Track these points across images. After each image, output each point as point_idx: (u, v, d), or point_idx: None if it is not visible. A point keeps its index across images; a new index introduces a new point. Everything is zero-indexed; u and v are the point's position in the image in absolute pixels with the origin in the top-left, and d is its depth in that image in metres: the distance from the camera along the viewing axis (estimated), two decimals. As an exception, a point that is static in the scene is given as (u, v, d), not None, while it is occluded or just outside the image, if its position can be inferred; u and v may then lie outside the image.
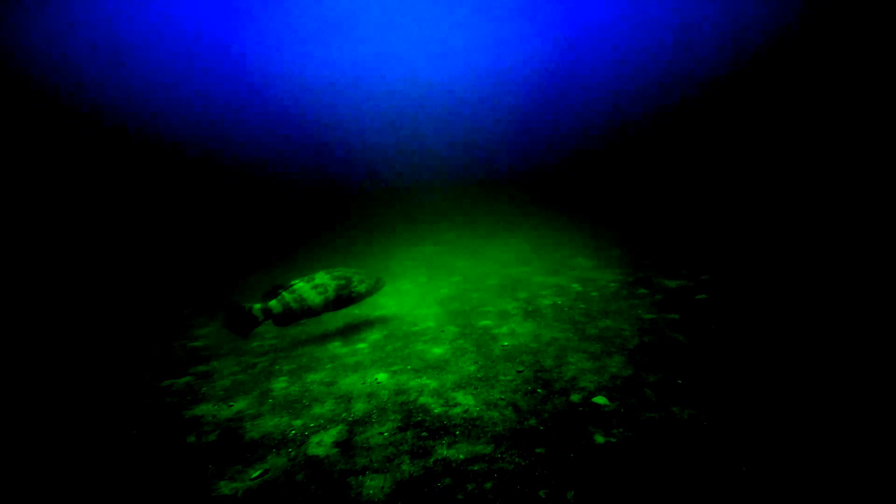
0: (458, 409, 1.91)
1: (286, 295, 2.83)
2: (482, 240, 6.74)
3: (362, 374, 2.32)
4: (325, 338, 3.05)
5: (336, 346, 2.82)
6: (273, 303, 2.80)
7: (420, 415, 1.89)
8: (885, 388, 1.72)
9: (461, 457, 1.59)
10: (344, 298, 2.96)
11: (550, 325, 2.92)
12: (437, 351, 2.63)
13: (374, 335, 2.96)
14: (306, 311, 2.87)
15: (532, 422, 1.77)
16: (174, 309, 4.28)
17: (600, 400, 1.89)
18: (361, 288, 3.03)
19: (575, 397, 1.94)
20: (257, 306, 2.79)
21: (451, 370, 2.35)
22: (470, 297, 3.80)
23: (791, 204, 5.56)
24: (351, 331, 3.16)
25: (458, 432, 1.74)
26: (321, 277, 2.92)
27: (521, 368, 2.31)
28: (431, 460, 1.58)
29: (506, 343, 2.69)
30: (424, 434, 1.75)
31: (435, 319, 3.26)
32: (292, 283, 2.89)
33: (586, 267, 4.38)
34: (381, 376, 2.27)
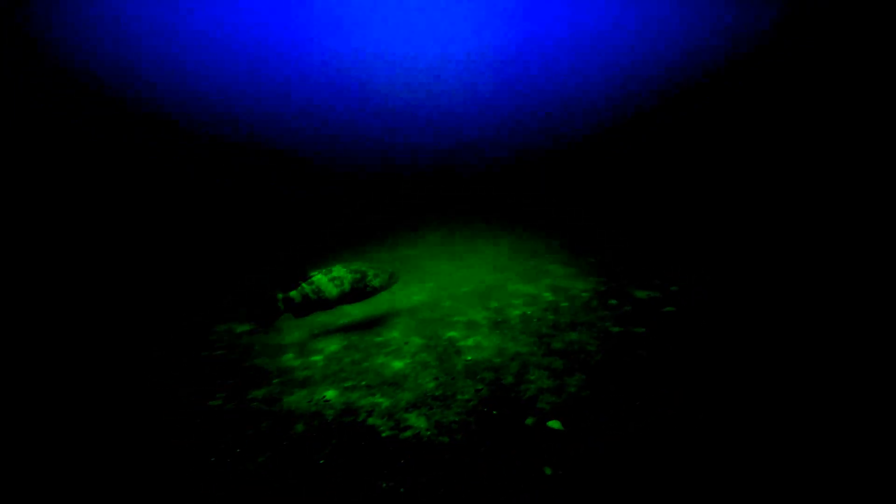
0: (408, 434, 1.82)
1: (305, 286, 2.94)
2: (462, 244, 6.66)
3: (311, 391, 2.21)
4: (281, 349, 2.92)
5: (289, 359, 2.69)
6: (294, 293, 2.92)
7: (365, 440, 1.79)
8: (857, 406, 1.70)
9: (401, 490, 1.49)
10: (359, 291, 3.08)
11: (517, 337, 2.85)
12: (397, 365, 2.53)
13: (333, 346, 2.85)
14: (323, 303, 2.98)
15: (483, 449, 1.69)
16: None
17: (554, 425, 1.82)
18: (376, 282, 3.14)
19: (530, 421, 1.87)
20: (280, 295, 2.90)
21: (408, 387, 2.26)
22: (442, 305, 3.71)
23: (768, 213, 5.63)
24: (311, 340, 3.03)
25: (403, 461, 1.65)
26: (338, 270, 3.03)
27: (480, 387, 2.23)
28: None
29: (469, 357, 2.60)
30: (365, 464, 1.65)
31: (401, 329, 3.16)
32: (311, 274, 3.00)
33: (561, 275, 4.33)
34: (331, 393, 2.16)
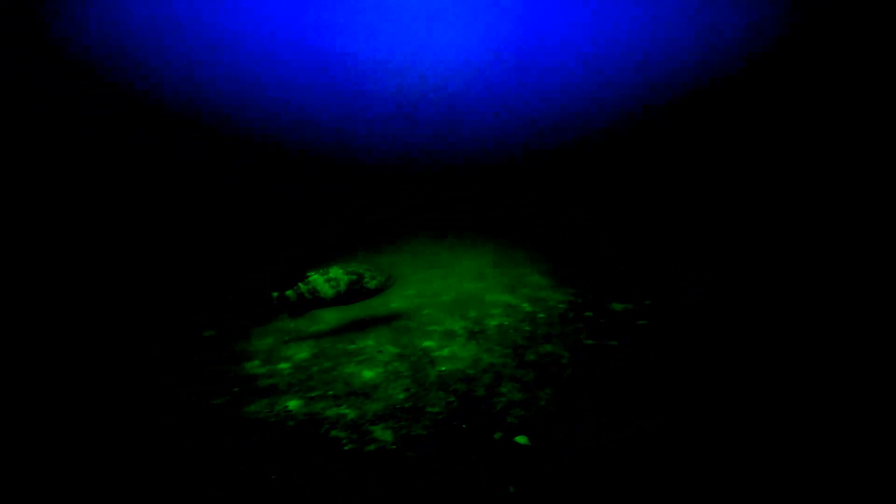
0: (371, 448, 1.77)
1: (301, 286, 2.98)
2: (447, 251, 6.65)
3: (272, 401, 2.14)
4: (247, 355, 2.83)
5: (254, 366, 2.61)
6: (289, 292, 2.97)
7: (325, 454, 1.73)
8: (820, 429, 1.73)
9: (359, 507, 1.44)
10: (355, 293, 3.10)
11: (492, 348, 2.83)
12: (368, 374, 2.48)
13: (302, 353, 2.78)
14: (318, 302, 3.02)
15: (449, 465, 1.66)
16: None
17: (521, 440, 1.80)
18: (372, 284, 3.16)
19: (497, 435, 1.85)
20: (275, 294, 2.95)
21: (377, 397, 2.21)
22: (420, 313, 3.67)
23: (763, 218, 5.74)
24: (279, 347, 2.95)
25: (363, 477, 1.60)
26: (335, 272, 3.06)
27: (452, 399, 2.20)
28: (326, 512, 1.43)
29: (444, 368, 2.57)
30: (322, 479, 1.59)
31: (376, 337, 3.11)
32: (308, 274, 3.03)
33: (541, 285, 4.35)
34: (293, 403, 2.10)
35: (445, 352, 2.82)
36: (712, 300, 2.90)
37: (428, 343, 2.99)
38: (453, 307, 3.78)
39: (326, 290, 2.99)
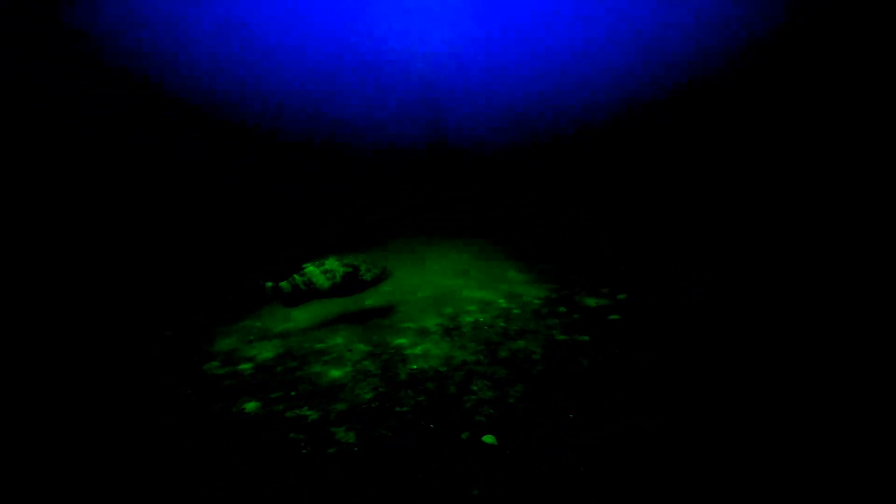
0: (331, 451, 1.70)
1: (297, 277, 2.96)
2: (425, 247, 6.57)
3: (228, 404, 2.03)
4: (207, 356, 2.69)
5: (213, 367, 2.48)
6: (284, 283, 2.94)
7: (280, 458, 1.65)
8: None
9: (315, 516, 1.37)
10: (351, 285, 3.10)
11: (466, 345, 2.79)
12: (336, 374, 2.39)
13: (266, 353, 2.66)
14: (314, 293, 3.00)
15: (412, 467, 1.60)
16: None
17: (489, 439, 1.76)
18: (368, 276, 3.17)
19: (465, 435, 1.80)
20: (269, 284, 2.93)
21: (343, 397, 2.13)
22: (395, 310, 3.59)
23: (728, 220, 5.88)
24: (244, 347, 2.82)
25: (319, 482, 1.52)
26: (331, 263, 3.05)
27: (421, 398, 2.15)
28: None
29: (415, 366, 2.51)
30: (274, 486, 1.51)
31: (347, 335, 3.01)
32: (304, 265, 3.02)
33: (517, 281, 4.34)
34: (251, 405, 1.99)
35: (418, 349, 2.76)
36: (712, 300, 2.92)
37: (401, 340, 2.92)
38: (430, 304, 3.72)
39: (322, 282, 2.98)
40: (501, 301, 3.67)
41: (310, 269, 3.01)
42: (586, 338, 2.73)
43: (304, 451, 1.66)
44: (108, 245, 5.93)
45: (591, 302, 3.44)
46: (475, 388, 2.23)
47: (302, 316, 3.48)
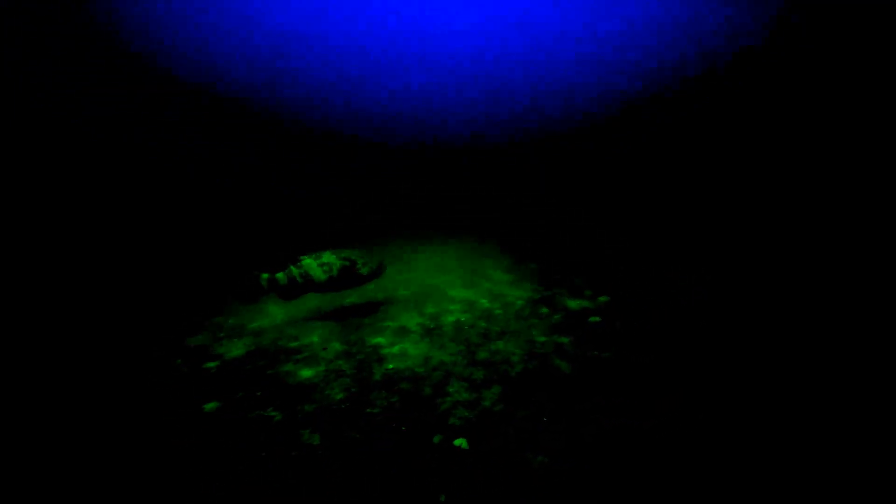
0: (293, 453, 1.62)
1: (293, 269, 2.92)
2: (410, 245, 6.49)
3: (188, 403, 1.93)
4: (178, 353, 2.57)
5: (179, 364, 2.37)
6: (280, 275, 2.90)
7: (234, 462, 1.56)
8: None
9: (271, 525, 1.29)
10: (348, 278, 3.09)
11: (445, 345, 2.73)
12: (307, 374, 2.31)
13: (237, 350, 2.56)
14: (310, 287, 2.97)
15: (378, 472, 1.53)
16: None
17: (460, 443, 1.71)
18: (364, 270, 3.16)
19: (437, 439, 1.75)
20: (265, 276, 2.88)
21: (313, 398, 2.05)
22: (375, 309, 3.51)
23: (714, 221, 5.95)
24: (208, 346, 2.71)
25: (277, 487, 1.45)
26: (328, 256, 3.03)
27: (395, 399, 2.08)
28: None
29: (391, 366, 2.44)
30: (225, 490, 1.43)
31: (322, 333, 2.93)
32: (301, 258, 2.98)
33: (502, 281, 4.31)
34: (211, 406, 1.90)
35: (396, 349, 2.69)
36: (712, 300, 2.91)
37: (378, 340, 2.85)
38: (411, 303, 3.65)
39: (319, 275, 2.96)
40: (484, 301, 3.63)
41: (307, 261, 2.98)
42: (566, 339, 2.70)
43: (262, 454, 1.58)
44: (103, 242, 5.74)
45: (573, 304, 3.42)
46: (452, 389, 2.17)
47: (278, 312, 3.38)
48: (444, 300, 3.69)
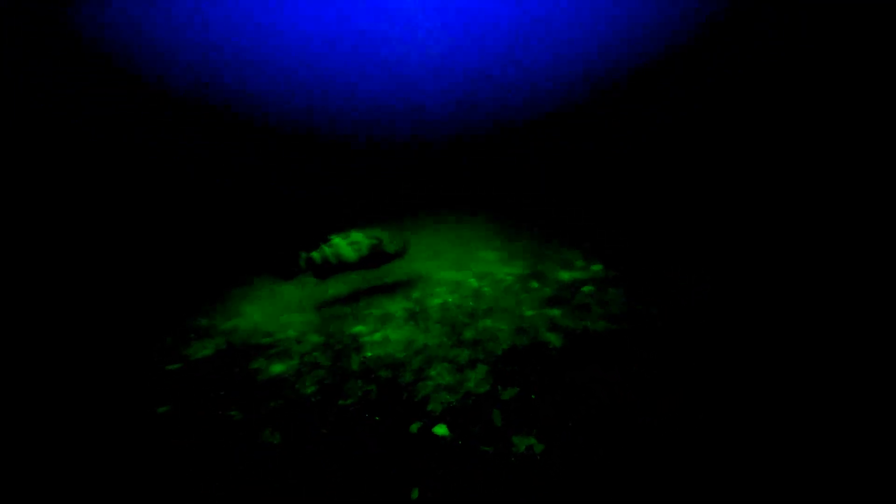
0: (254, 454, 1.44)
1: (326, 248, 2.99)
2: (400, 230, 6.28)
3: (143, 406, 1.75)
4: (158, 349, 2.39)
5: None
6: (315, 254, 2.98)
7: (186, 464, 1.39)
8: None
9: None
10: (376, 256, 3.12)
11: (430, 328, 2.55)
12: (278, 368, 2.13)
13: (206, 350, 2.37)
14: (342, 265, 3.03)
15: (345, 467, 1.36)
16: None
17: (440, 430, 1.53)
18: (391, 248, 3.19)
19: (414, 427, 1.57)
20: (304, 255, 2.99)
21: (281, 394, 1.88)
22: (358, 297, 3.33)
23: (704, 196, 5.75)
24: (179, 346, 2.53)
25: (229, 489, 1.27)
26: (356, 235, 3.08)
27: (371, 388, 1.91)
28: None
29: (370, 354, 2.27)
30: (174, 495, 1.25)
31: (300, 327, 2.75)
32: (330, 237, 3.04)
33: (491, 260, 4.12)
34: (164, 409, 1.72)
35: (377, 336, 2.51)
36: (713, 299, 2.74)
37: (359, 328, 2.67)
38: (398, 288, 3.47)
39: (350, 254, 3.02)
40: (472, 280, 3.44)
41: (336, 240, 3.02)
42: (557, 312, 2.52)
43: (220, 456, 1.41)
44: (109, 243, 5.64)
45: (566, 275, 3.24)
46: (433, 373, 2.00)
47: (251, 309, 3.19)
48: (431, 283, 3.50)
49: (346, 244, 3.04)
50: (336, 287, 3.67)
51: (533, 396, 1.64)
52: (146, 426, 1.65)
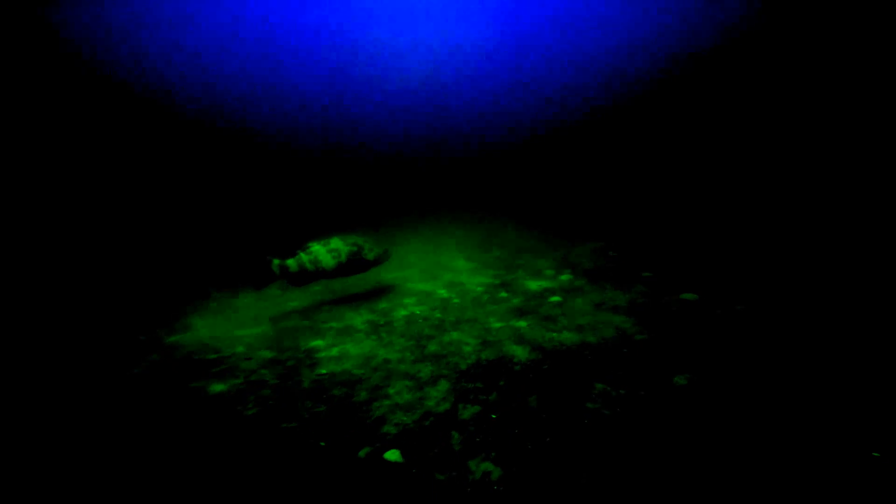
0: (156, 490, 1.24)
1: (303, 255, 2.90)
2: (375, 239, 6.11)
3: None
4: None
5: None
6: (290, 261, 2.88)
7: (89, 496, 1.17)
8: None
9: None
10: (355, 264, 3.07)
11: (393, 342, 2.40)
12: (218, 388, 1.92)
13: (137, 369, 2.12)
14: (319, 273, 2.96)
15: (279, 499, 1.19)
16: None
17: (392, 455, 1.39)
18: (370, 256, 3.13)
19: (363, 452, 1.42)
20: (276, 262, 2.85)
21: (218, 418, 1.67)
22: (320, 309, 3.13)
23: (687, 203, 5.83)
24: (110, 362, 2.25)
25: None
26: (336, 243, 3.01)
27: (321, 408, 1.73)
28: None
29: (324, 371, 2.09)
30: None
31: (253, 341, 2.53)
32: (309, 244, 2.95)
33: (463, 269, 4.02)
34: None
35: (335, 351, 2.33)
36: (680, 309, 2.73)
37: (317, 342, 2.48)
38: (364, 300, 3.29)
39: (328, 261, 2.95)
40: (442, 291, 3.32)
41: (315, 247, 2.93)
42: (523, 323, 2.44)
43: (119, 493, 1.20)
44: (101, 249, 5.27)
45: (534, 285, 3.18)
46: (392, 390, 1.85)
47: (201, 323, 2.93)
48: (401, 294, 3.36)
49: (326, 251, 2.97)
50: (300, 298, 3.46)
51: (493, 416, 1.52)
52: (31, 460, 1.40)
